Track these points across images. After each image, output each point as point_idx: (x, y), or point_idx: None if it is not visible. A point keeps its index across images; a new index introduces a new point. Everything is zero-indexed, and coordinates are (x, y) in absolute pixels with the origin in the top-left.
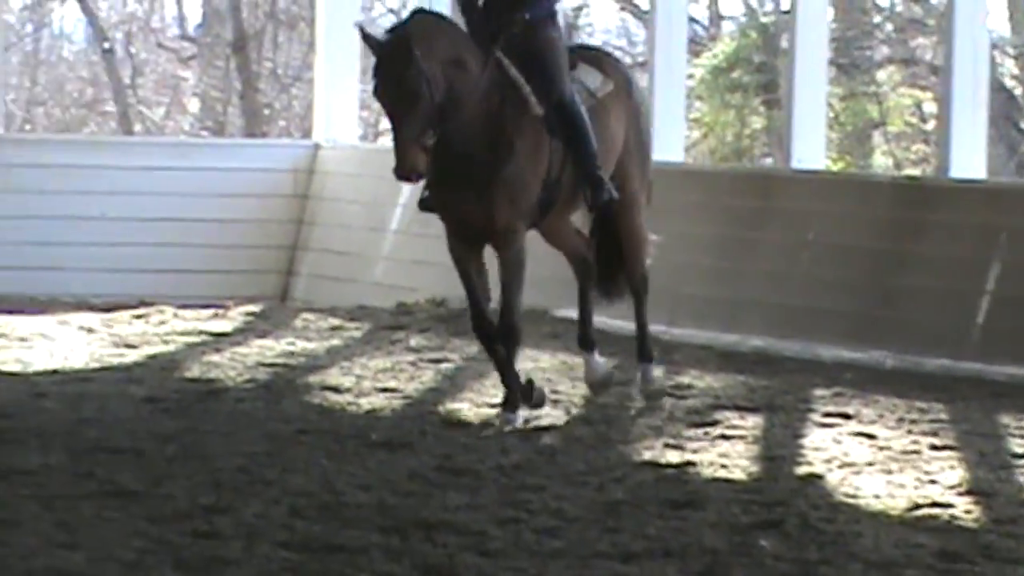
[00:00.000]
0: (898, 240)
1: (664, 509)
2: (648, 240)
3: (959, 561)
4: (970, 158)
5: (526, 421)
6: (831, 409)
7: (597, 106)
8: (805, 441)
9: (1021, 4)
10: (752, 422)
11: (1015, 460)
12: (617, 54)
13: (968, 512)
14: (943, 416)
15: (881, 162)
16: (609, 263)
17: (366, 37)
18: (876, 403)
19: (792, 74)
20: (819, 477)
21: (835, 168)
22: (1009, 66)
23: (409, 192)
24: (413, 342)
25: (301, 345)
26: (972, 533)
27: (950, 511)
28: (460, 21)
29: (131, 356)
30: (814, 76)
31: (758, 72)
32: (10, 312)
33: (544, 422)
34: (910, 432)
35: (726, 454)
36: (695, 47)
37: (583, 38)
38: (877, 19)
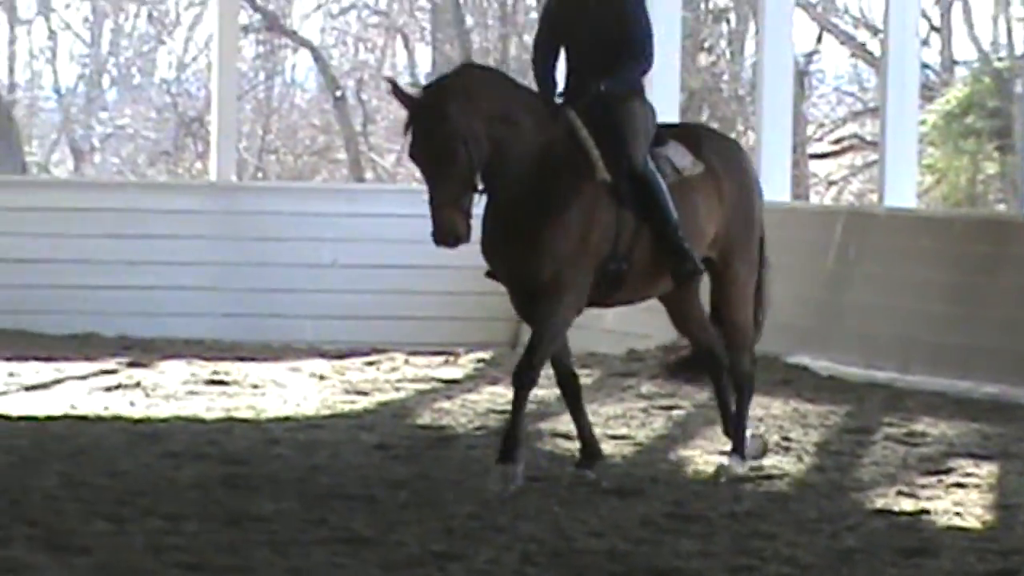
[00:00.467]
0: None
1: (897, 557)
2: (752, 332)
3: None
4: None
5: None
6: None
7: (682, 184)
8: None
9: None
10: (987, 470)
11: None
12: (848, 100)
13: None
14: None
15: None
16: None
17: (397, 92)
18: None
19: None
20: None
21: None
22: None
23: None
24: (644, 389)
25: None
26: None
27: None
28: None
29: (362, 403)
30: None
31: (992, 117)
32: (243, 359)
33: (776, 470)
34: None
35: (960, 502)
36: (927, 92)
37: (815, 84)
38: None
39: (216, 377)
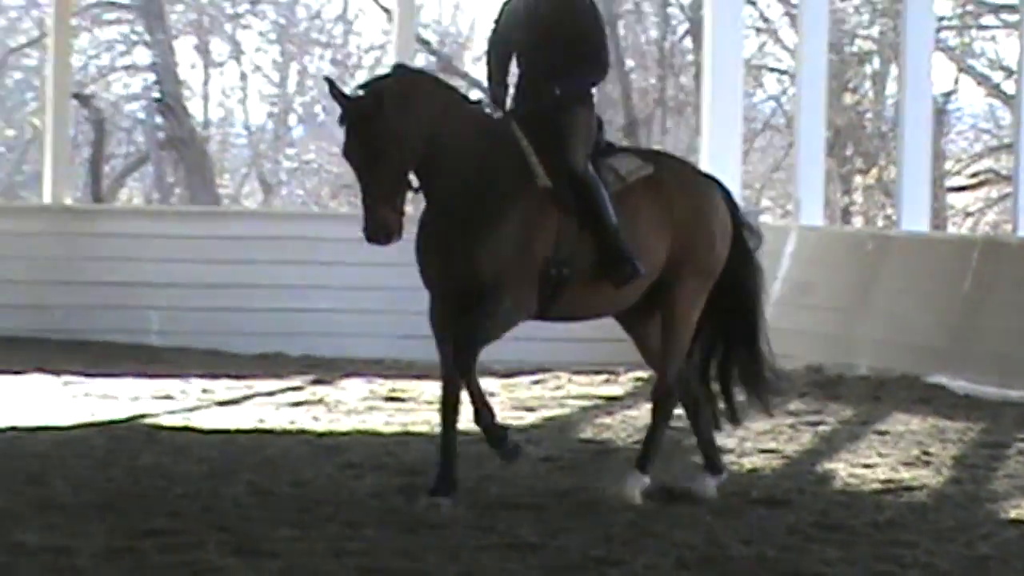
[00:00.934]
0: None
1: None
2: (684, 352)
3: None
4: None
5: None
6: None
7: (626, 190)
8: None
9: None
10: None
11: None
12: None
13: None
14: None
15: None
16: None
17: (333, 91)
18: None
19: None
20: None
21: None
22: None
23: (787, 265)
24: (792, 406)
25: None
26: None
27: None
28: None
29: (529, 418)
30: None
31: None
32: (418, 377)
33: (915, 482)
34: None
35: None
36: None
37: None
38: None
39: (394, 394)
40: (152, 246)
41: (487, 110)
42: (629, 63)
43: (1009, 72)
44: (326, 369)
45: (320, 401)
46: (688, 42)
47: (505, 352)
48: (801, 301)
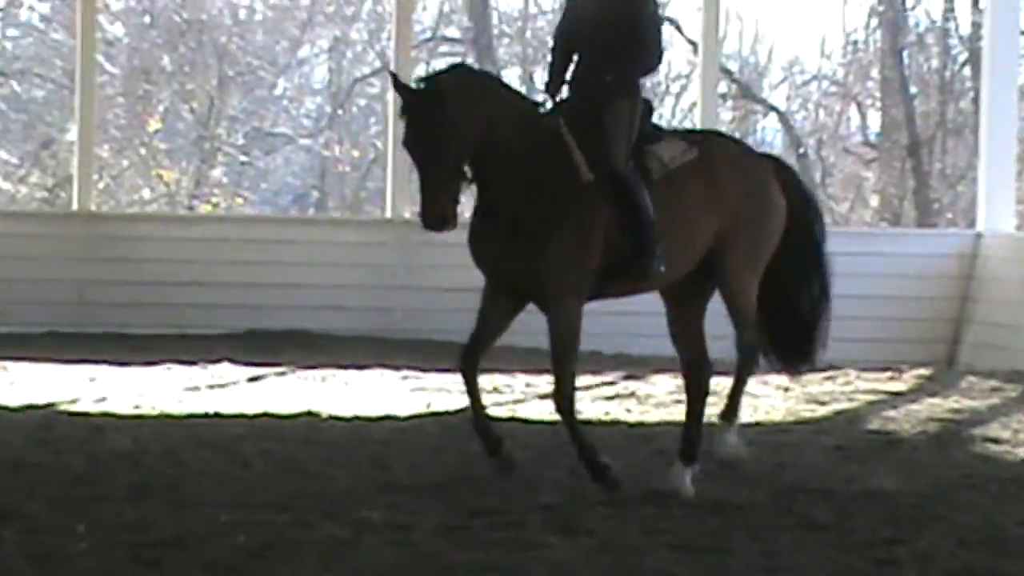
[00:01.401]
0: None
1: None
2: (753, 309)
3: None
4: None
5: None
6: None
7: (667, 177)
8: None
9: None
10: None
11: None
12: None
13: None
14: None
15: None
16: (784, 338)
17: (397, 84)
18: None
19: None
20: None
21: None
22: None
23: None
24: None
25: (965, 403)
26: None
27: None
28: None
29: (821, 411)
30: None
31: None
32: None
33: None
34: None
35: None
36: None
37: None
38: None
39: None
40: None
41: (540, 107)
42: (913, 89)
43: None
44: (637, 366)
45: (631, 395)
46: (967, 70)
47: None
48: None
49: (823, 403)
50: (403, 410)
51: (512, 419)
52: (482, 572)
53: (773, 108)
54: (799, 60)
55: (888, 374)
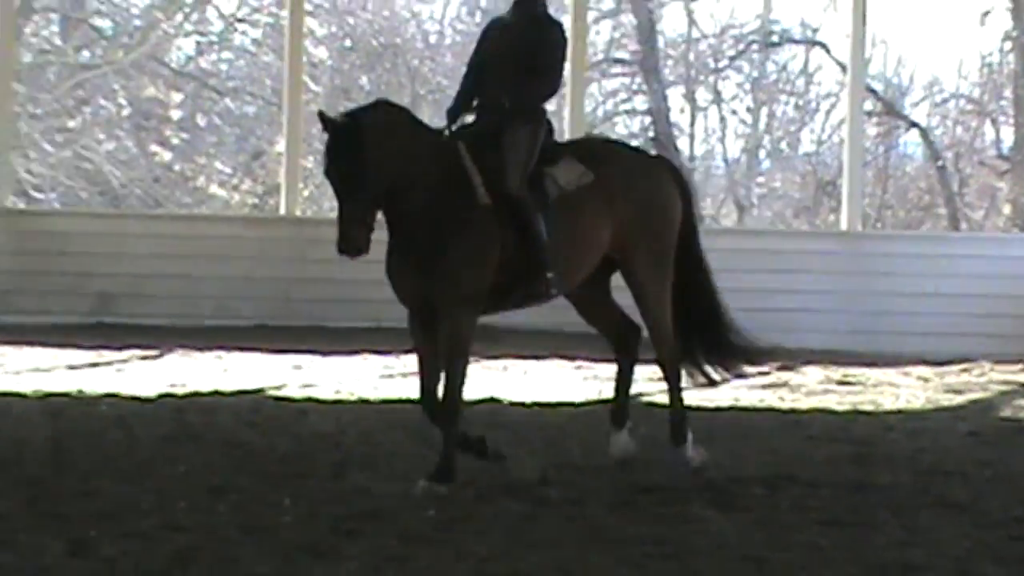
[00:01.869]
0: None
1: None
2: (669, 318)
3: None
4: None
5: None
6: None
7: (562, 199)
8: None
9: None
10: None
11: None
12: None
13: None
14: None
15: None
16: (704, 342)
17: (323, 119)
18: None
19: None
20: None
21: None
22: None
23: None
24: None
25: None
26: None
27: None
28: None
29: (957, 400)
30: None
31: None
32: (865, 365)
33: None
34: None
35: None
36: None
37: None
38: None
39: (845, 378)
40: None
41: (442, 134)
42: None
43: None
44: (789, 358)
45: (785, 384)
46: None
47: (938, 345)
48: None
49: (959, 392)
50: (577, 397)
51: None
52: (649, 544)
53: (914, 124)
54: (938, 80)
55: (1020, 366)
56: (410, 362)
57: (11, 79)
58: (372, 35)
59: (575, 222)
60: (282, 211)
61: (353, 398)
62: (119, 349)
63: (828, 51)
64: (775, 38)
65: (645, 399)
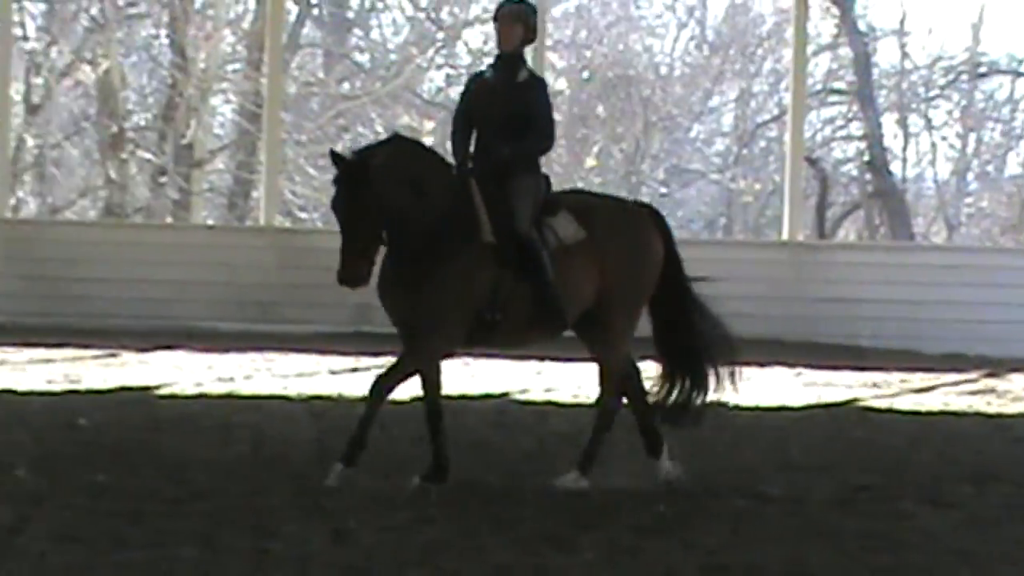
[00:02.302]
0: None
1: None
2: (623, 367)
3: None
4: None
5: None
6: None
7: (562, 251)
8: None
9: None
10: None
11: None
12: None
13: None
14: None
15: None
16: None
17: (334, 156)
18: None
19: None
20: None
21: None
22: None
23: None
24: None
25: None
26: None
27: None
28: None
29: None
30: None
31: None
32: None
33: None
34: None
35: None
36: None
37: None
38: None
39: None
40: (863, 271)
41: (458, 169)
42: None
43: None
44: (996, 366)
45: (992, 391)
46: None
47: None
48: None
49: None
50: (797, 401)
51: (888, 411)
52: (865, 538)
53: None
54: None
55: None
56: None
57: (279, 109)
58: (607, 67)
59: (570, 273)
60: None
61: (590, 401)
62: (376, 355)
63: None
64: (983, 69)
65: (861, 404)
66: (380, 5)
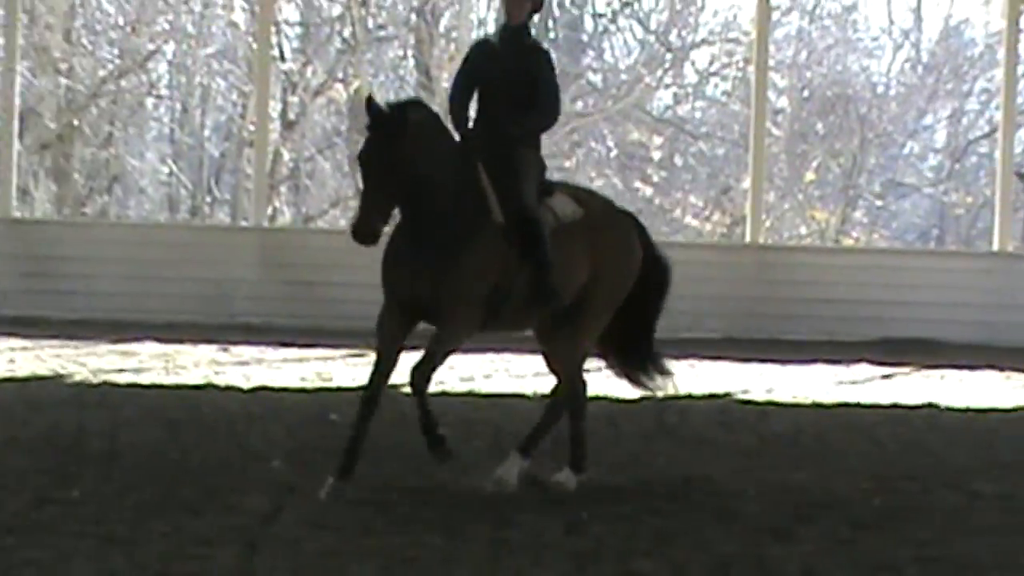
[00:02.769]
0: None
1: None
2: (583, 362)
3: None
4: None
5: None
6: None
7: (561, 230)
8: None
9: None
10: None
11: None
12: None
13: None
14: None
15: None
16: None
17: (370, 103)
18: None
19: None
20: None
21: None
22: None
23: None
24: None
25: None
26: None
27: None
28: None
29: None
30: None
31: None
32: None
33: None
34: None
35: None
36: None
37: None
38: None
39: None
40: None
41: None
42: None
43: None
44: None
45: None
46: None
47: None
48: None
49: None
50: (1008, 403)
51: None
52: None
53: None
54: None
55: None
56: (858, 371)
57: None
58: (826, 86)
59: (566, 253)
60: (747, 239)
61: (808, 402)
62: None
63: None
64: None
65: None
66: (612, 28)
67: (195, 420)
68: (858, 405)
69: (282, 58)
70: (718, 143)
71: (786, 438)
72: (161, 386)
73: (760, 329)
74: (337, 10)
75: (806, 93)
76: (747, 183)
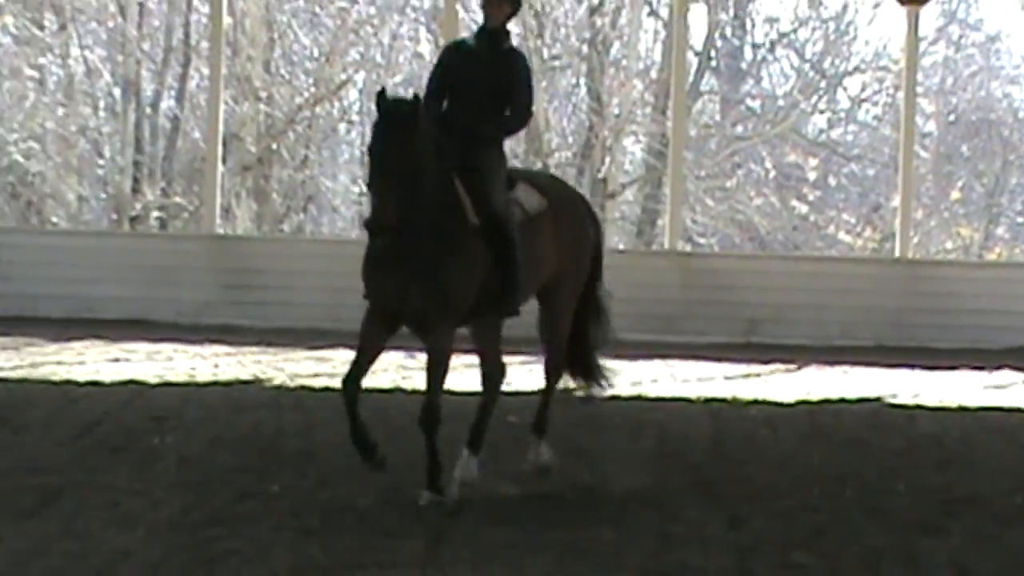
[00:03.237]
0: None
1: None
2: (566, 337)
3: None
4: None
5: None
6: None
7: (528, 222)
8: None
9: None
10: None
11: None
12: None
13: None
14: None
15: None
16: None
17: (381, 95)
18: None
19: None
20: None
21: None
22: None
23: None
24: None
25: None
26: None
27: None
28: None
29: None
30: None
31: None
32: None
33: None
34: None
35: None
36: None
37: None
38: None
39: None
40: None
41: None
42: None
43: None
44: None
45: None
46: None
47: None
48: None
49: None
50: None
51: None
52: None
53: None
54: None
55: None
56: (1001, 377)
57: (682, 148)
58: (971, 111)
59: (534, 245)
60: (896, 254)
61: (953, 406)
62: (765, 363)
63: None
64: None
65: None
66: (770, 57)
67: (383, 421)
68: (1000, 409)
69: None
70: (869, 164)
71: (933, 440)
72: None
73: (908, 337)
74: (515, 41)
75: (952, 118)
76: (896, 201)
